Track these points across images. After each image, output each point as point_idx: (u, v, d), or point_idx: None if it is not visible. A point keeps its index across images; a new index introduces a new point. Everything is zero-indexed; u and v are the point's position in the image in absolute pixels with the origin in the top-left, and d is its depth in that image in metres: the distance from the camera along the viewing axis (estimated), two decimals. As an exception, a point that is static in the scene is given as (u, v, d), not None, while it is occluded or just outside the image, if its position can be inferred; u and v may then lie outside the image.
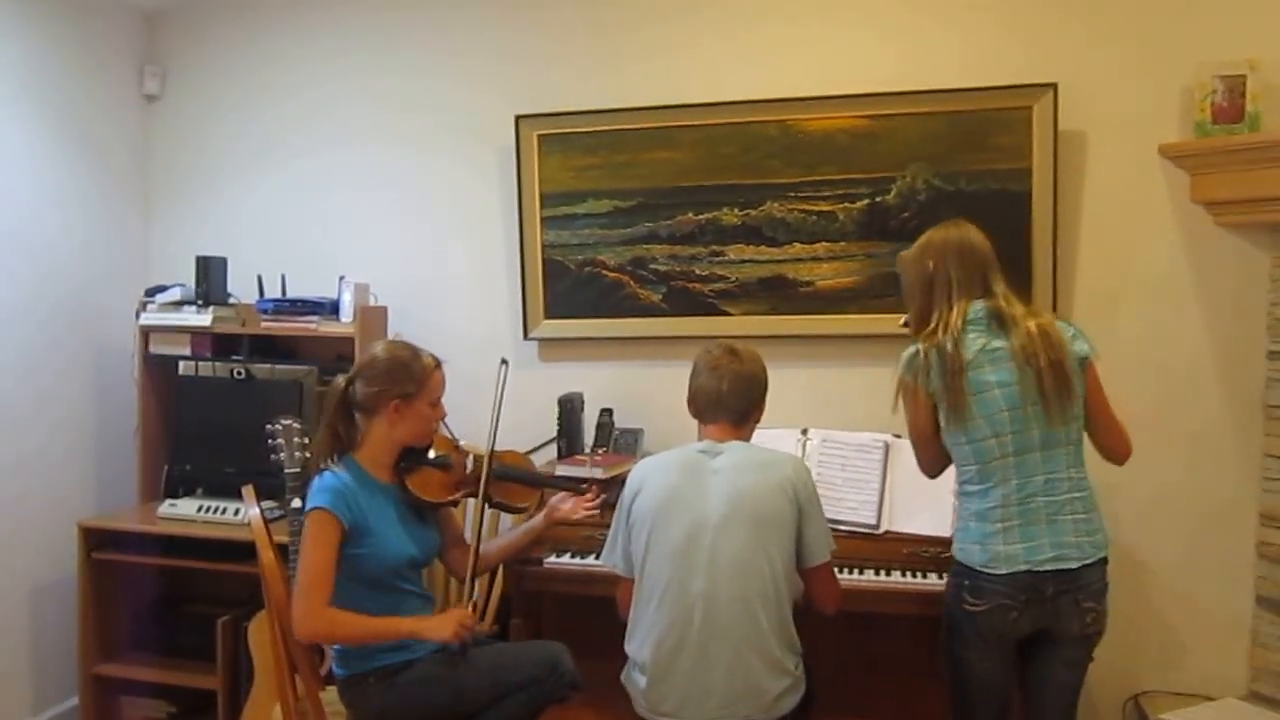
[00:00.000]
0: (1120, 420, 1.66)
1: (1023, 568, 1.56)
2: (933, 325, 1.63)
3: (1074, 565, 1.57)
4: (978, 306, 1.62)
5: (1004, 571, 1.57)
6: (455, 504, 1.95)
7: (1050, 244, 2.19)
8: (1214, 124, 2.07)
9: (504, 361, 1.90)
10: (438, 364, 1.82)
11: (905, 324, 1.73)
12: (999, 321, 1.61)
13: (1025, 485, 1.58)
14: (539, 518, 1.97)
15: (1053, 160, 2.16)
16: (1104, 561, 1.61)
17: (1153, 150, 2.17)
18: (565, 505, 1.94)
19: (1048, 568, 1.56)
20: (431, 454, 1.87)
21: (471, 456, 1.94)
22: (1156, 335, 2.20)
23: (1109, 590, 1.62)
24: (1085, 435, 1.65)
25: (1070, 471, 1.60)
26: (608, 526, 1.79)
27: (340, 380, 1.81)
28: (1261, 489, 2.10)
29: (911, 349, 1.66)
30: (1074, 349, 1.62)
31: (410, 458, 1.83)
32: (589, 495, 1.94)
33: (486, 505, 1.89)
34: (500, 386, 1.87)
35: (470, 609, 1.77)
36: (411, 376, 1.77)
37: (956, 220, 1.72)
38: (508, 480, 1.95)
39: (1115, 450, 1.67)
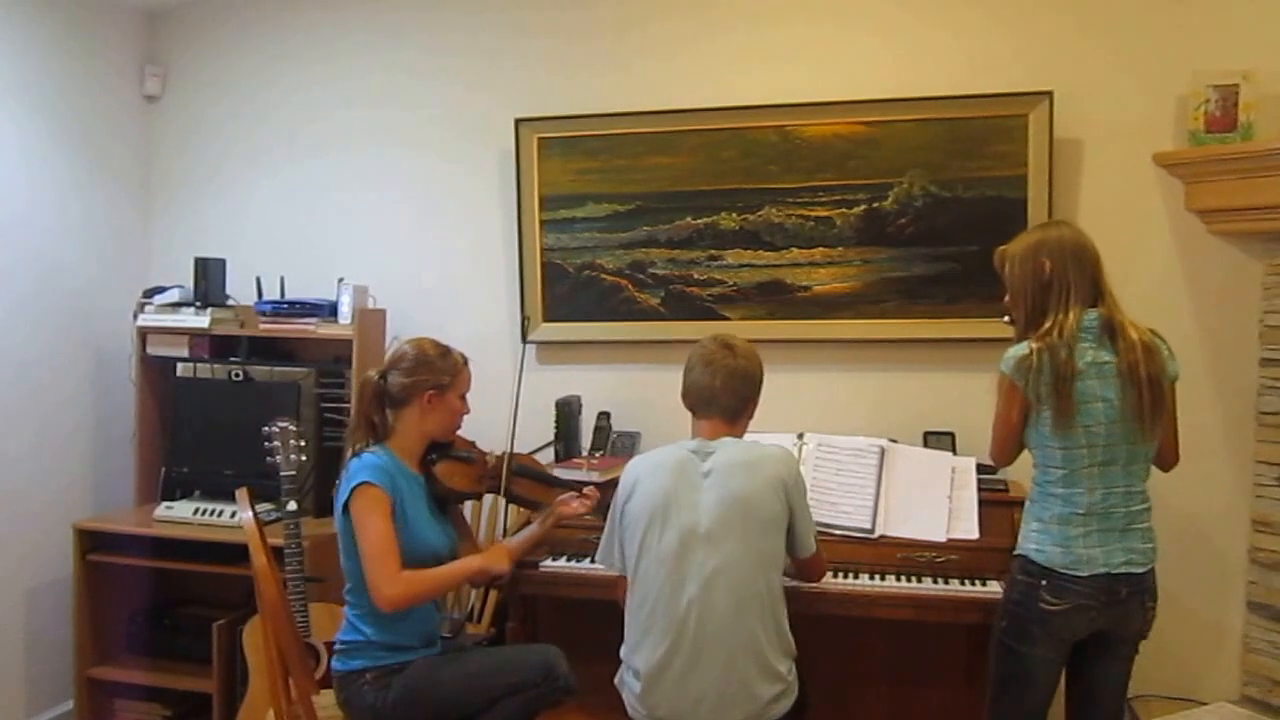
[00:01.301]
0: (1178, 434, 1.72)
1: (1102, 570, 1.61)
2: (1047, 327, 1.62)
3: (1140, 570, 1.63)
4: (1092, 315, 1.62)
5: (1086, 573, 1.61)
6: (479, 496, 1.99)
7: (1046, 251, 2.21)
8: (1208, 133, 2.09)
9: (525, 318, 1.93)
10: (466, 360, 1.89)
11: (1009, 321, 1.71)
12: (1109, 333, 1.62)
13: (1109, 495, 1.62)
14: (544, 518, 1.99)
15: (1048, 168, 2.18)
16: (1155, 568, 1.68)
17: (1147, 159, 2.19)
18: (572, 504, 1.97)
19: (1121, 570, 1.61)
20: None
21: (492, 455, 1.98)
22: None
23: None
24: None
25: (1141, 486, 1.66)
26: (602, 530, 1.80)
27: (373, 373, 1.85)
28: (1253, 495, 2.12)
29: (1023, 348, 1.64)
30: (1169, 369, 1.65)
31: (436, 451, 1.87)
32: (590, 492, 1.98)
33: (507, 500, 1.92)
34: (519, 376, 1.91)
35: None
36: (445, 369, 1.83)
37: (1059, 220, 1.73)
38: (526, 478, 1.99)
39: (1170, 461, 1.73)
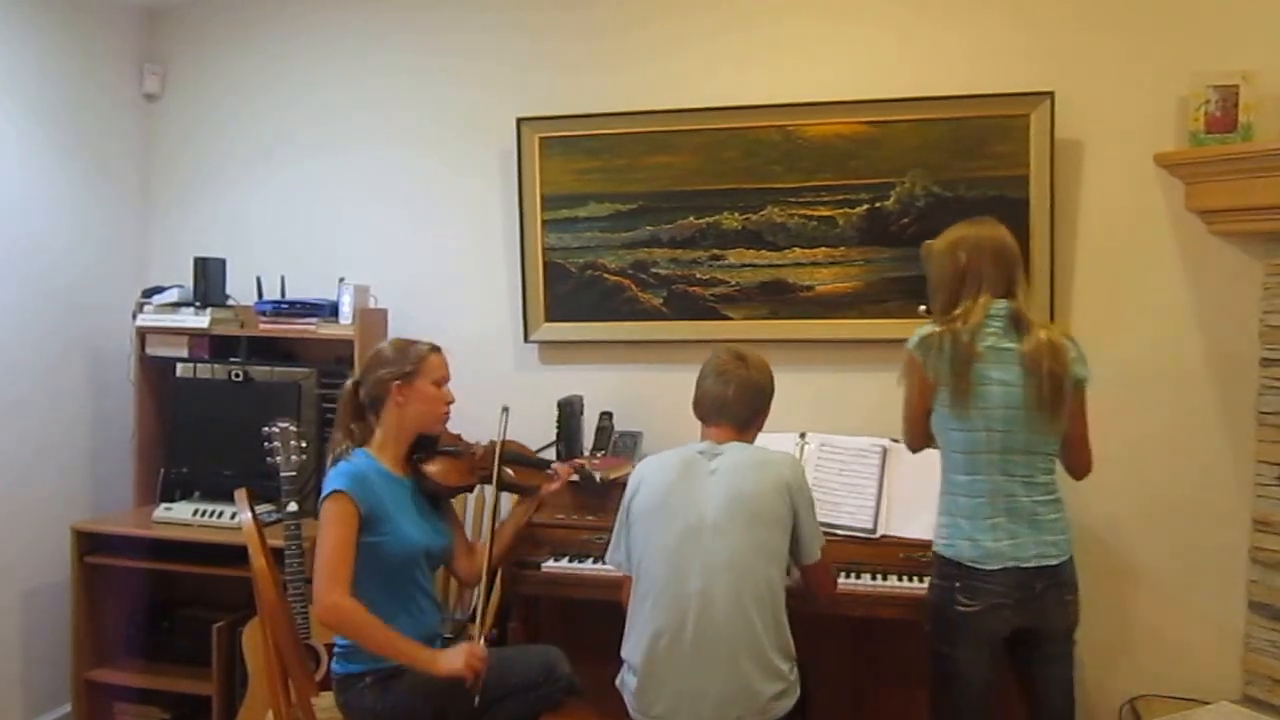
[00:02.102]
0: (1089, 442, 1.72)
1: (1012, 564, 1.61)
2: (956, 314, 1.66)
3: (1054, 562, 1.63)
4: (1000, 305, 1.65)
5: (995, 568, 1.62)
6: (470, 489, 1.97)
7: (1048, 251, 2.21)
8: (1208, 134, 2.10)
9: (505, 409, 1.93)
10: (434, 348, 1.87)
11: (926, 311, 1.74)
12: (1016, 324, 1.64)
13: (1008, 484, 1.63)
14: (524, 504, 2.00)
15: (1049, 168, 2.19)
16: (1072, 557, 1.68)
17: (1148, 159, 2.20)
18: (551, 484, 1.98)
19: (1033, 564, 1.61)
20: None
21: (479, 446, 1.97)
22: (1151, 342, 2.22)
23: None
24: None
25: (1045, 478, 1.66)
26: (607, 530, 1.79)
27: (349, 383, 1.86)
28: (1254, 494, 2.12)
29: (927, 328, 1.68)
30: (1073, 369, 1.65)
31: (422, 448, 1.86)
32: (566, 468, 2.00)
33: (499, 489, 1.92)
34: (502, 429, 1.91)
35: (483, 645, 1.72)
36: (408, 358, 1.82)
37: (986, 218, 1.74)
38: (515, 464, 1.99)
39: (1079, 468, 1.74)
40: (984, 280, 1.65)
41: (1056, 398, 1.61)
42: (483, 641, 1.73)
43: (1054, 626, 1.65)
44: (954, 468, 1.69)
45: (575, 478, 2.03)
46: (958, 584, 1.64)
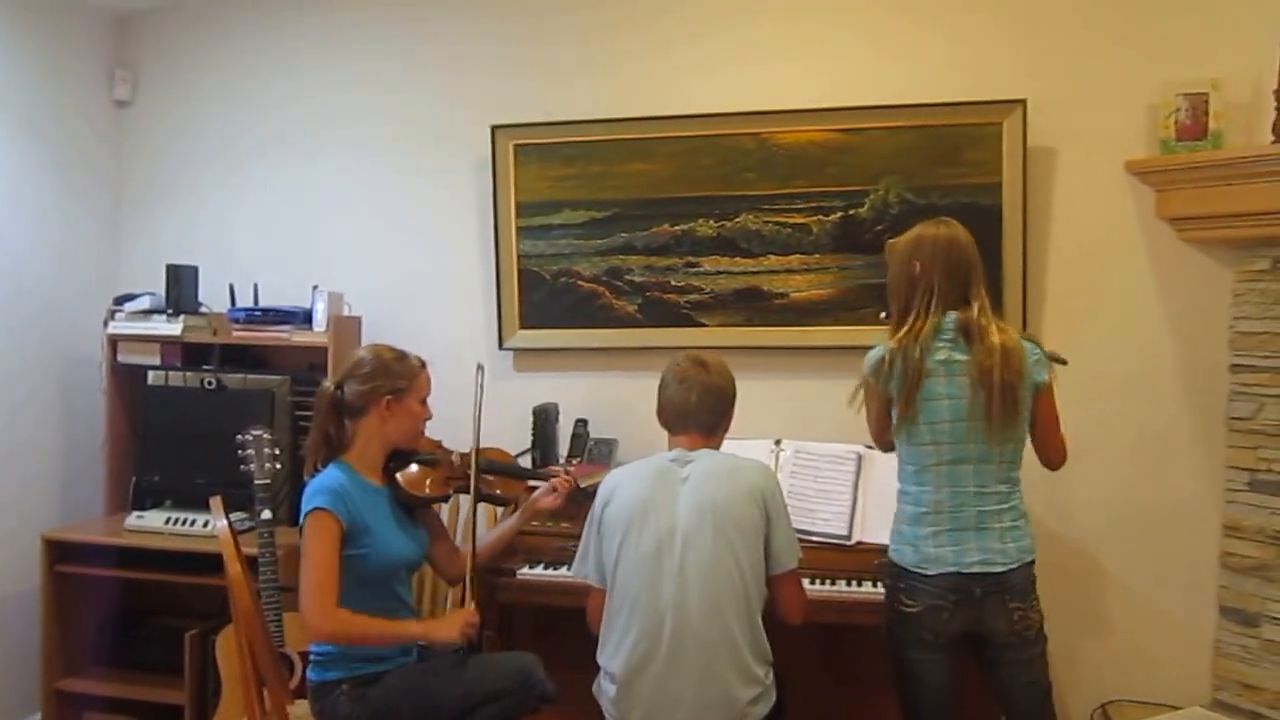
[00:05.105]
0: (1062, 434, 1.72)
1: (950, 569, 1.62)
2: (907, 328, 1.66)
3: (1000, 569, 1.62)
4: (951, 319, 1.65)
5: (934, 572, 1.63)
6: (446, 499, 1.97)
7: (1020, 257, 2.22)
8: (1178, 141, 2.11)
9: (480, 367, 1.94)
10: (423, 364, 1.87)
11: (886, 317, 1.74)
12: (966, 335, 1.64)
13: (958, 494, 1.64)
14: (518, 514, 1.99)
15: (1022, 175, 2.20)
16: (1028, 565, 1.65)
17: (1119, 166, 2.21)
18: (546, 498, 1.97)
19: (975, 570, 1.62)
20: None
21: (457, 454, 1.96)
22: (1122, 348, 2.24)
23: (1035, 592, 1.66)
24: (1028, 447, 1.70)
25: (1000, 486, 1.65)
26: (578, 538, 1.79)
27: (328, 384, 1.82)
28: (1224, 500, 2.14)
29: (879, 351, 1.70)
30: (1031, 374, 1.64)
31: (399, 458, 1.85)
32: (560, 483, 1.99)
33: (477, 500, 1.91)
34: (479, 390, 1.90)
35: (474, 608, 1.78)
36: (402, 373, 1.81)
37: (947, 219, 1.72)
38: (495, 474, 1.98)
39: (1053, 460, 1.73)
40: (936, 292, 1.65)
41: (1008, 407, 1.59)
42: (473, 605, 1.77)
43: (997, 630, 1.63)
44: (905, 477, 1.71)
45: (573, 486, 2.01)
46: (901, 585, 1.67)
